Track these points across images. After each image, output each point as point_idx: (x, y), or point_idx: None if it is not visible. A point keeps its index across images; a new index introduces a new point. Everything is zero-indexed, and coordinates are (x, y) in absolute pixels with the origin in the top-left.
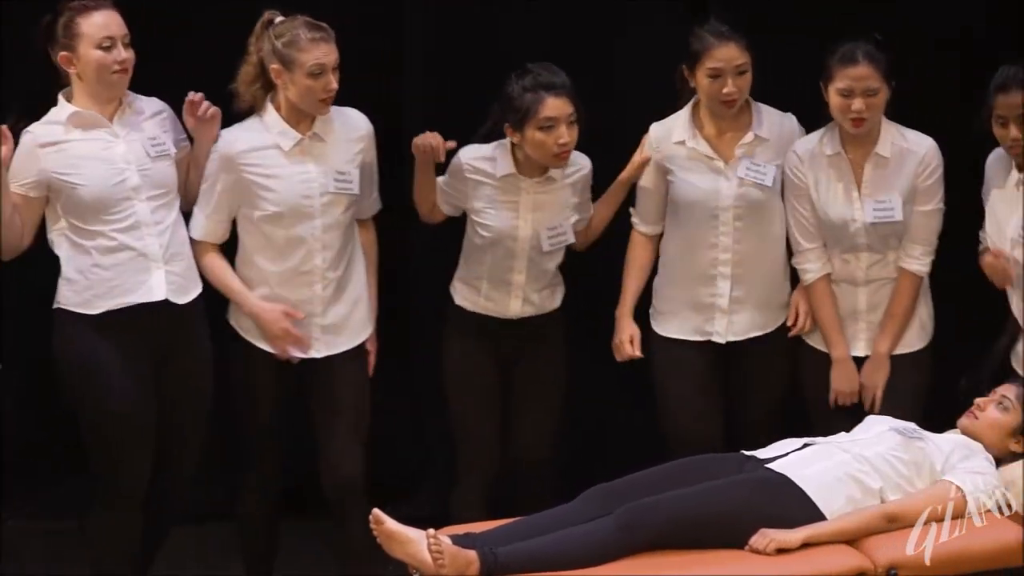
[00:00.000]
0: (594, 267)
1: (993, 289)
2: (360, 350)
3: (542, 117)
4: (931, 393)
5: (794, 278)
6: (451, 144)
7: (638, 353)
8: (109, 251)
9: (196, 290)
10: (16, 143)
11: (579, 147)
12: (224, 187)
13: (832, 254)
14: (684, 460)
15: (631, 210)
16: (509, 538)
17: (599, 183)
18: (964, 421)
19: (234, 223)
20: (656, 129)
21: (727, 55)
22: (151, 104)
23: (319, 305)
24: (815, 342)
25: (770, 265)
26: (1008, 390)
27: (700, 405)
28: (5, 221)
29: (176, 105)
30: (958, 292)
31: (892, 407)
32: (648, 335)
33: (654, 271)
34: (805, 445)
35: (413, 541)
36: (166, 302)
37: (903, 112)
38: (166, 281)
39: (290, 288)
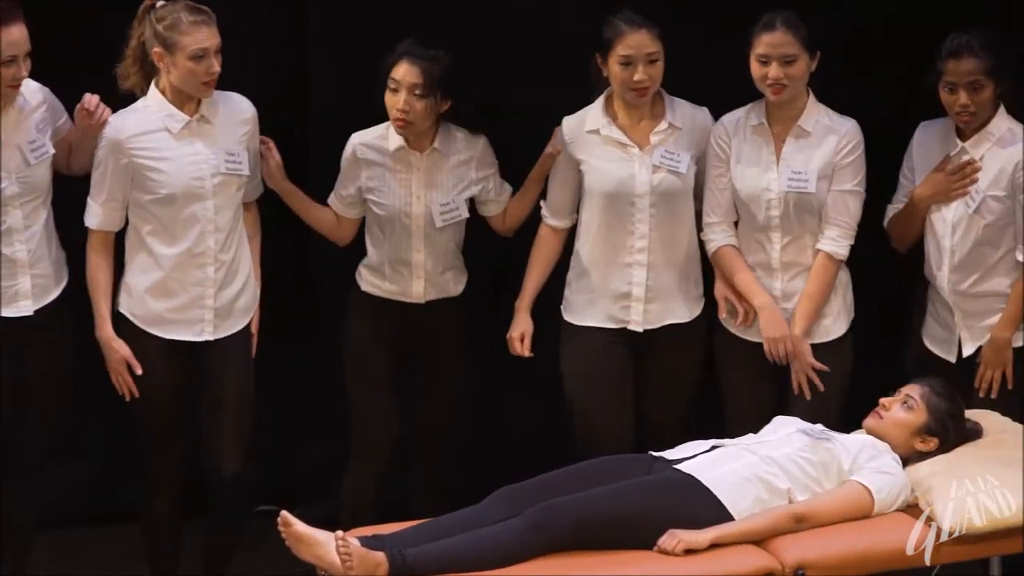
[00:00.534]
0: (498, 256)
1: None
2: (245, 333)
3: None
4: (852, 381)
5: (709, 272)
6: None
7: (527, 352)
8: None
9: (61, 283)
10: None
11: (502, 137)
12: (115, 172)
13: (746, 237)
14: (593, 460)
15: (541, 203)
16: (418, 539)
17: (516, 175)
18: (869, 421)
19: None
20: (568, 121)
21: (638, 42)
22: (33, 95)
23: (211, 287)
24: (733, 327)
25: (685, 253)
26: (912, 389)
27: (612, 397)
28: None
29: (59, 91)
30: (883, 283)
31: (815, 397)
32: (560, 327)
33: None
34: (713, 447)
35: (321, 543)
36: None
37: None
38: (31, 285)
39: (183, 271)
